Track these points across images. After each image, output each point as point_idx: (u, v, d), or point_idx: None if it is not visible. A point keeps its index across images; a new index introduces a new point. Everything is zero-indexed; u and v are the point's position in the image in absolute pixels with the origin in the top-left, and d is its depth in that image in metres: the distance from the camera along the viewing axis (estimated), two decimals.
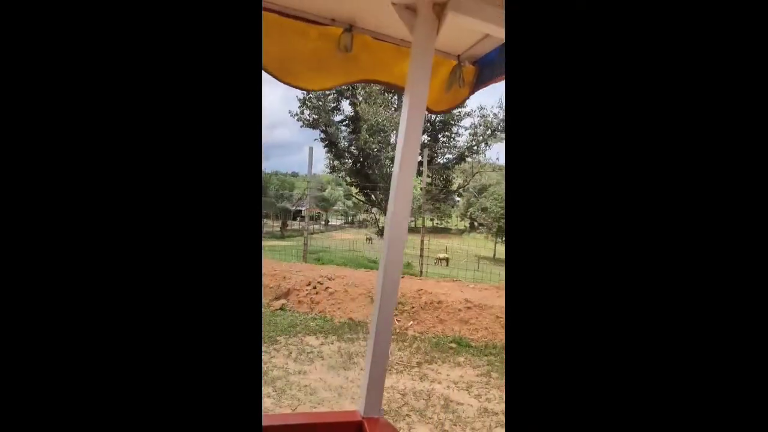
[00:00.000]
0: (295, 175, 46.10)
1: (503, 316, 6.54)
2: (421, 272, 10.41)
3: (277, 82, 1.50)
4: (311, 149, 10.72)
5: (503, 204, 23.23)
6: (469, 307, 6.70)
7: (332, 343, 5.73)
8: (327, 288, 7.22)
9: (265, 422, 1.35)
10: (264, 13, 1.37)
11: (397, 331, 6.32)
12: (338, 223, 37.92)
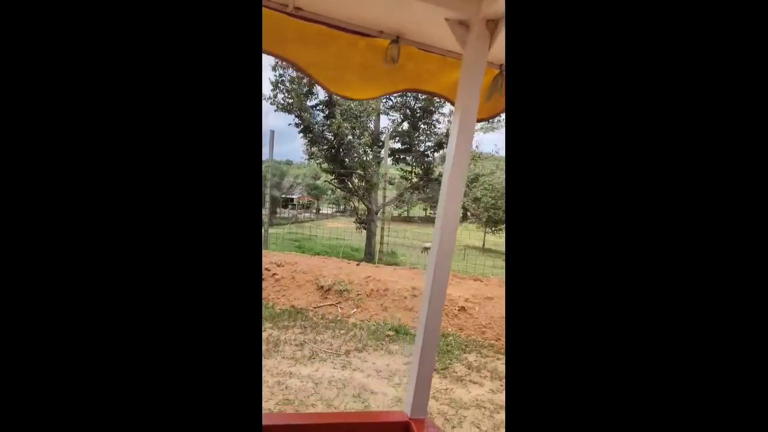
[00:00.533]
0: (289, 163, 46.05)
1: (448, 304, 6.38)
2: (379, 259, 10.26)
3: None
4: (272, 132, 10.56)
5: (494, 194, 23.14)
6: (415, 295, 6.55)
7: (264, 331, 5.60)
8: (274, 274, 7.08)
9: (312, 420, 1.42)
10: (316, 26, 1.46)
11: (338, 318, 6.17)
12: (330, 211, 37.99)
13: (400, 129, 15.28)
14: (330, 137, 13.90)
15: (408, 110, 14.98)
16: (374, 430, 1.41)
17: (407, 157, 16.17)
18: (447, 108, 15.38)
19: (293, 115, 13.60)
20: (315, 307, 6.46)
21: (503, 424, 4.11)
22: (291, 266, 7.34)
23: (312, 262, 7.76)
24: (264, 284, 6.97)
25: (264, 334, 5.47)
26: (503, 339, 5.93)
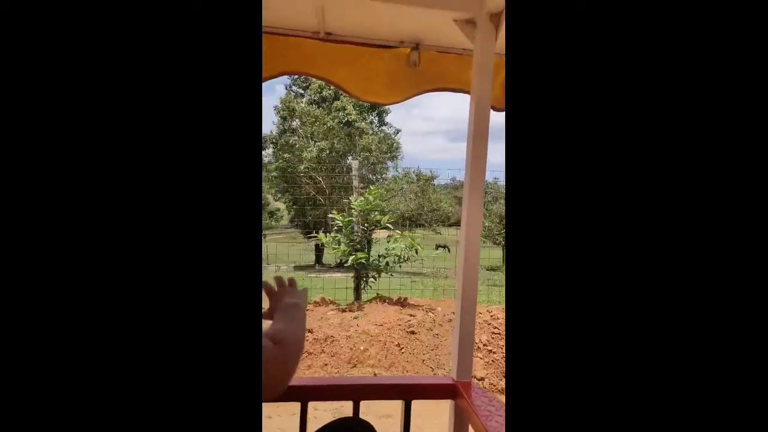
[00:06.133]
0: None
1: None
2: None
3: None
4: None
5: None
6: None
7: None
8: None
9: (361, 382, 1.54)
10: (345, 46, 1.69)
11: None
12: None
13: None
14: None
15: None
16: (422, 392, 1.49)
17: None
18: None
19: None
20: None
21: None
22: None
23: None
24: None
25: None
26: None
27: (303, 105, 19.84)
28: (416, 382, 1.56)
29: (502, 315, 5.96)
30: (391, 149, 21.34)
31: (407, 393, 1.48)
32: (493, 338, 5.45)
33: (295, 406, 1.43)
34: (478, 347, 5.26)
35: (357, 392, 1.46)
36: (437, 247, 17.13)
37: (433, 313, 5.93)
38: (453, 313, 5.98)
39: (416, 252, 6.83)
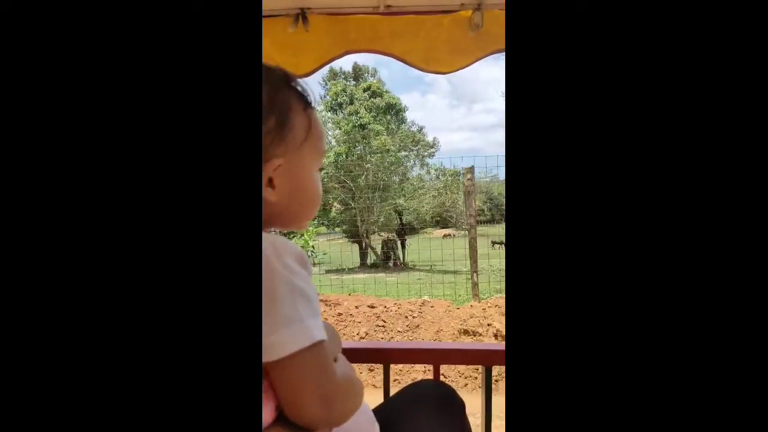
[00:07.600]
0: None
1: None
2: None
3: None
4: None
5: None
6: None
7: None
8: None
9: (445, 346, 1.53)
10: (405, 17, 1.68)
11: None
12: None
13: None
14: None
15: None
16: (471, 357, 1.49)
17: None
18: None
19: None
20: None
21: None
22: None
23: None
24: None
25: None
26: None
27: (324, 112, 20.49)
28: (500, 348, 1.50)
29: (402, 309, 5.90)
30: (424, 146, 21.32)
31: (489, 359, 1.45)
32: (375, 332, 5.31)
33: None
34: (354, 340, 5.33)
35: (437, 357, 1.46)
36: (493, 244, 16.23)
37: (329, 308, 6.05)
38: (356, 307, 5.96)
39: (313, 248, 6.94)
